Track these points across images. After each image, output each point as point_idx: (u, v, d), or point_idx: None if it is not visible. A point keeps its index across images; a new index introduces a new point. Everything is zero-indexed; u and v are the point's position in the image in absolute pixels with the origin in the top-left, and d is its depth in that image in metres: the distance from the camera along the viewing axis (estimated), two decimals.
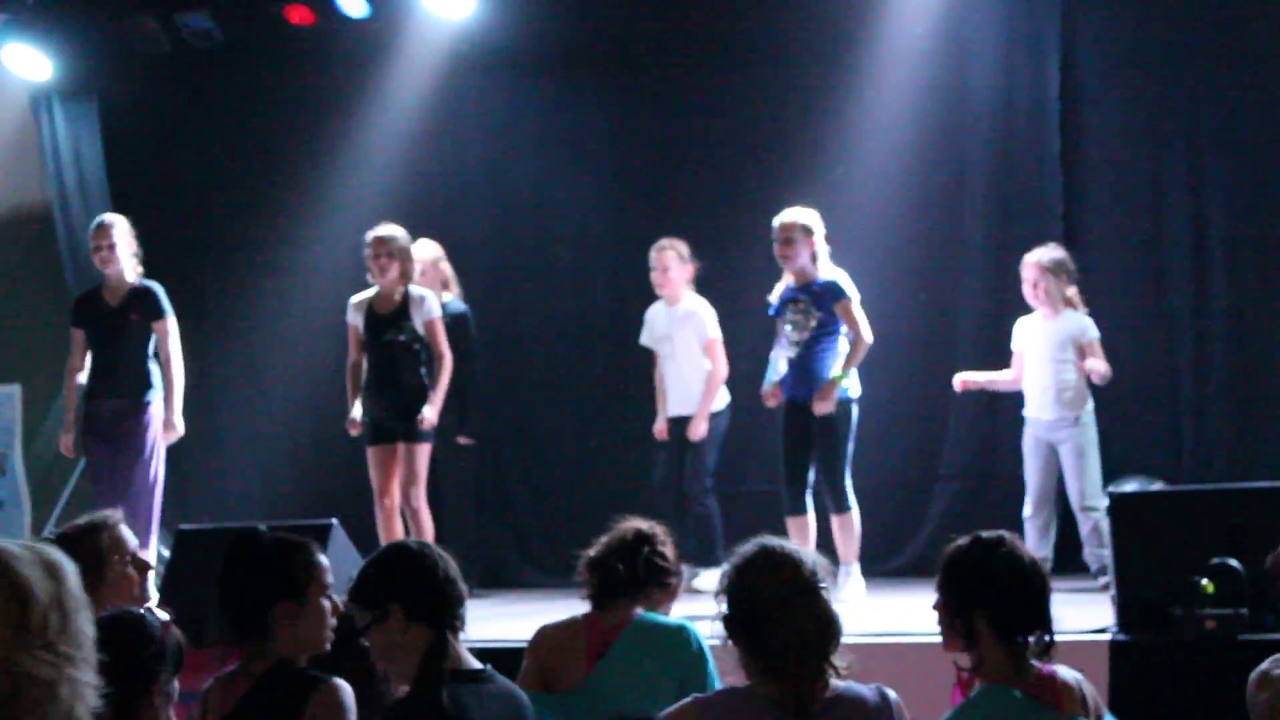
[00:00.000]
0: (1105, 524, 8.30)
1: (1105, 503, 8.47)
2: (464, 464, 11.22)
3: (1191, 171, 10.54)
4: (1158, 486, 9.48)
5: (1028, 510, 9.58)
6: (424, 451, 9.85)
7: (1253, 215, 10.43)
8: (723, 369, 10.36)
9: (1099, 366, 9.39)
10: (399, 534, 9.71)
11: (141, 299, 10.18)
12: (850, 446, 9.46)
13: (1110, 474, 9.52)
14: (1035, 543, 9.60)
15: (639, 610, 5.48)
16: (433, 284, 10.74)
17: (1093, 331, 9.52)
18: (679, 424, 10.48)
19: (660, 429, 10.54)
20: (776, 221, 9.49)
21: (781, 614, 3.88)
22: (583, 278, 11.95)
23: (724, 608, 4.03)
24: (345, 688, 4.47)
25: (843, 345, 9.46)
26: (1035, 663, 4.42)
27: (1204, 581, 6.96)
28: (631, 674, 5.28)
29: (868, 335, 9.42)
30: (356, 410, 9.93)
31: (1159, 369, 10.55)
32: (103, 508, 9.62)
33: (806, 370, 9.46)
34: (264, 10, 11.85)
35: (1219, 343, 10.47)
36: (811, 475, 9.47)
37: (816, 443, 9.46)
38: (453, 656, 4.41)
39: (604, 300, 11.52)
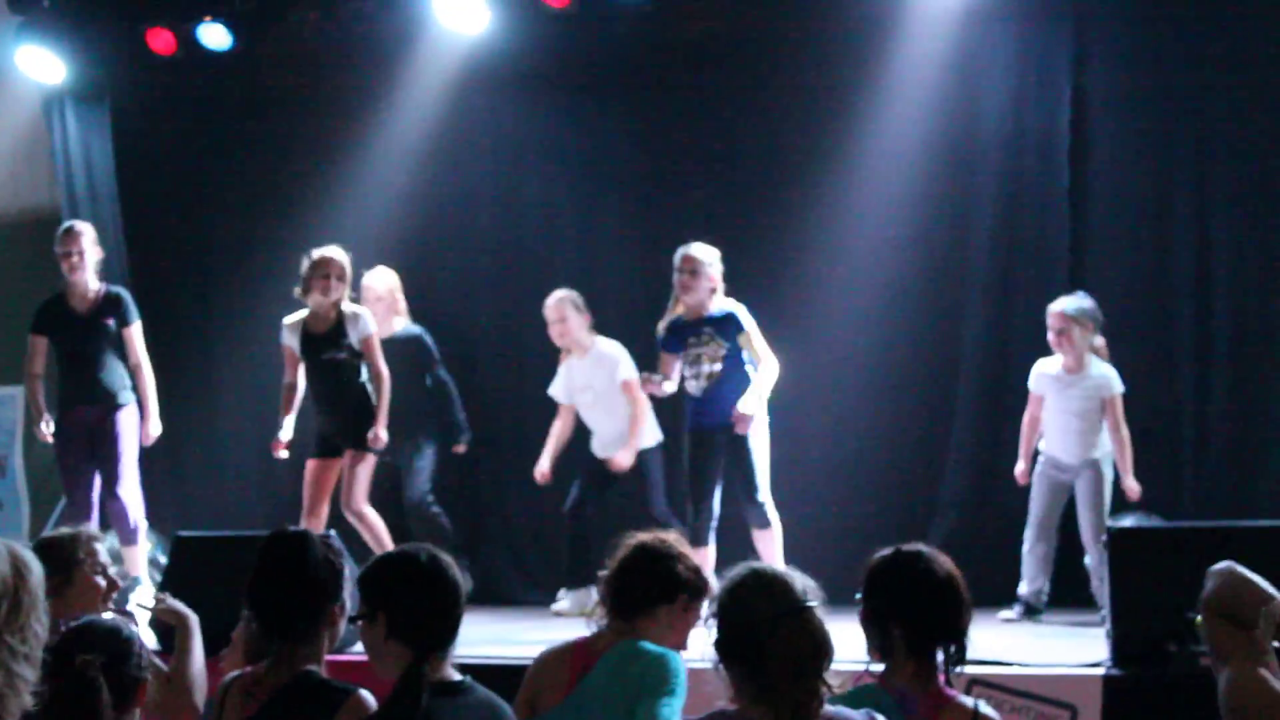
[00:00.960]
0: None
1: None
2: (420, 476, 11.24)
3: (1198, 210, 10.54)
4: (1157, 522, 9.48)
5: (1028, 542, 9.57)
6: (369, 462, 9.94)
7: (1258, 256, 10.44)
8: (644, 404, 10.49)
9: (1132, 486, 9.41)
10: None
11: (115, 305, 10.23)
12: (763, 462, 9.50)
13: (1111, 510, 9.52)
14: (1033, 573, 9.58)
15: (634, 636, 5.25)
16: (389, 311, 10.89)
17: (1117, 386, 9.45)
18: (605, 464, 10.66)
19: (543, 472, 10.78)
20: (681, 253, 9.63)
21: (776, 633, 3.89)
22: (589, 294, 11.95)
23: (714, 631, 4.03)
24: (370, 700, 4.48)
25: (750, 373, 9.51)
26: (942, 683, 4.44)
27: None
28: (602, 700, 5.08)
29: (774, 361, 9.50)
30: (286, 431, 10.03)
31: (1161, 406, 10.53)
32: (76, 511, 9.81)
33: (719, 399, 9.50)
34: (278, 19, 11.88)
35: (1221, 381, 10.46)
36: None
37: (733, 463, 9.52)
38: (430, 673, 4.36)
39: (611, 315, 11.51)
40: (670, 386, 9.75)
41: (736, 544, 9.66)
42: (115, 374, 10.25)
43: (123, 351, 10.30)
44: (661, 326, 9.81)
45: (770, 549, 9.41)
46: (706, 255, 9.63)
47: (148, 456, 10.72)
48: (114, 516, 10.10)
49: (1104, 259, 10.74)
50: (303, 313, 10.06)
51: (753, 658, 3.91)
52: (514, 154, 12.23)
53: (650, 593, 5.30)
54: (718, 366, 9.52)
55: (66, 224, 10.63)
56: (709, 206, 11.50)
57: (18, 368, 13.11)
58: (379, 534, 9.86)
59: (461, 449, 11.23)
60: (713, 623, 4.06)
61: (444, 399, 11.18)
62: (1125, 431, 9.43)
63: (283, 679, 4.59)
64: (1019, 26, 10.90)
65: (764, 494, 9.48)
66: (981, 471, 10.62)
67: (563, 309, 10.68)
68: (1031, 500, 9.61)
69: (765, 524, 9.47)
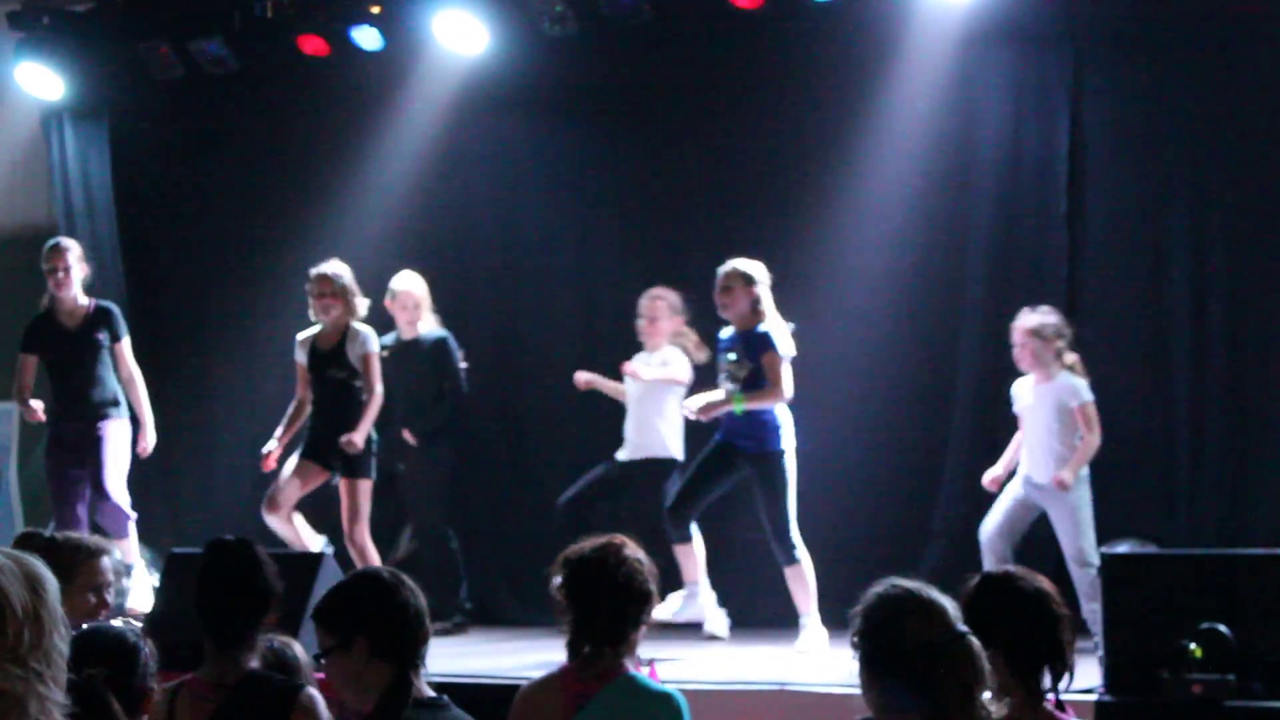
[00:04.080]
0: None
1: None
2: (436, 492, 11.22)
3: (1194, 235, 10.53)
4: (1151, 549, 9.47)
5: (984, 549, 9.43)
6: (364, 487, 9.94)
7: (1253, 281, 10.43)
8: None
9: (1065, 478, 9.27)
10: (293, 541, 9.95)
11: (105, 320, 10.26)
12: (792, 498, 9.51)
13: (1105, 536, 9.49)
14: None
15: (627, 664, 4.96)
16: (417, 314, 10.99)
17: (1085, 394, 9.39)
18: (634, 468, 10.68)
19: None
20: (719, 269, 9.63)
21: (944, 659, 3.83)
22: (587, 315, 11.99)
23: (862, 649, 3.95)
24: (319, 695, 4.53)
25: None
26: (1051, 705, 4.38)
27: (1192, 646, 6.97)
28: None
29: (784, 392, 9.51)
30: (273, 444, 10.09)
31: (1156, 432, 10.53)
32: (65, 523, 9.81)
33: (738, 419, 9.54)
34: (278, 39, 11.89)
35: (1216, 408, 10.45)
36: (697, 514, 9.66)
37: (758, 498, 9.58)
38: (415, 683, 4.43)
39: (607, 338, 11.53)
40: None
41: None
42: (104, 389, 10.29)
43: (113, 366, 10.33)
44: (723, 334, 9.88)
45: (799, 587, 9.47)
46: (741, 268, 9.61)
47: (140, 472, 10.74)
48: (104, 514, 10.14)
49: (1101, 284, 10.74)
50: (315, 328, 10.11)
51: (916, 679, 3.84)
52: (512, 175, 12.24)
53: (629, 618, 5.00)
54: (740, 385, 9.54)
55: (53, 240, 10.66)
56: (705, 230, 11.50)
57: (9, 383, 13.15)
58: None
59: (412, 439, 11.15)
60: (856, 640, 3.97)
61: (457, 407, 11.17)
62: (1093, 438, 9.33)
63: (230, 681, 4.68)
64: (1017, 51, 10.91)
65: (788, 530, 9.48)
66: (975, 498, 10.59)
67: (656, 308, 10.65)
68: (1001, 505, 9.45)
69: (790, 561, 9.46)
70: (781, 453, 9.53)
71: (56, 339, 10.33)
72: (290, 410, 10.25)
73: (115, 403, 10.33)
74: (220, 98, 12.48)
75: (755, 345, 9.53)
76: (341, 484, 9.97)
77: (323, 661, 4.51)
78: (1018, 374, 9.70)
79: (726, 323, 9.81)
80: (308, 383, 10.16)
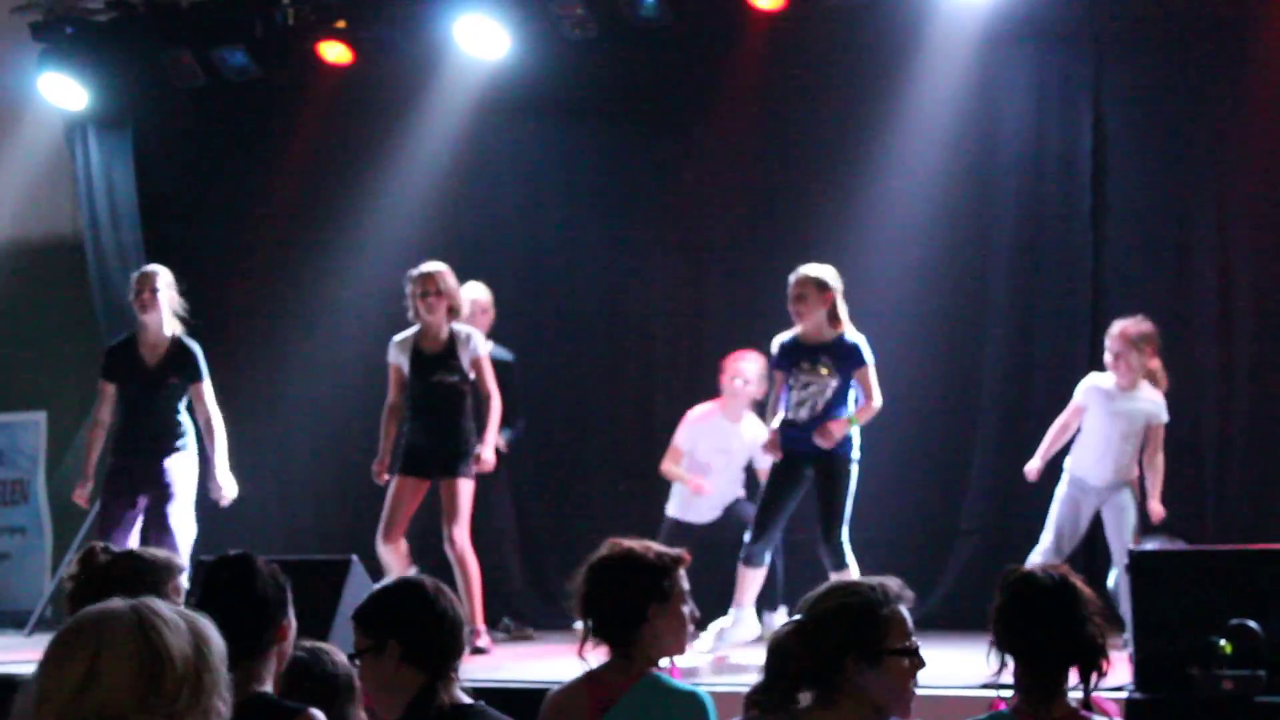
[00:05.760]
0: None
1: None
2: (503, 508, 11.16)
3: (1219, 231, 10.52)
4: (1180, 546, 9.43)
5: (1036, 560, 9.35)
6: (465, 487, 9.67)
7: (1278, 276, 10.41)
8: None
9: (1157, 509, 9.23)
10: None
11: (183, 361, 10.00)
12: (850, 505, 9.30)
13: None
14: None
15: (651, 667, 4.98)
16: (485, 319, 10.78)
17: (1164, 415, 9.27)
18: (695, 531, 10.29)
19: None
20: (791, 277, 9.37)
21: (777, 651, 4.03)
22: (612, 322, 11.96)
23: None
24: (320, 717, 4.51)
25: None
26: (1074, 703, 4.36)
27: (1222, 642, 6.95)
28: None
29: (880, 401, 9.27)
30: (383, 455, 9.78)
31: (1183, 428, 10.47)
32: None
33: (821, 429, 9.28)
34: (300, 47, 11.92)
35: (1243, 403, 10.43)
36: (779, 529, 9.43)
37: (819, 498, 9.28)
38: (443, 694, 4.41)
39: (633, 344, 11.53)
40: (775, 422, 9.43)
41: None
42: (172, 430, 9.97)
43: (187, 404, 10.03)
44: (777, 342, 9.41)
45: None
46: (814, 275, 9.20)
47: None
48: (162, 547, 9.91)
49: (1126, 281, 10.72)
50: (412, 331, 9.86)
51: (768, 667, 4.03)
52: (535, 179, 12.24)
53: (629, 613, 5.02)
54: (829, 396, 9.19)
55: (145, 267, 10.32)
56: (729, 231, 11.51)
57: (40, 392, 13.16)
58: (471, 580, 9.56)
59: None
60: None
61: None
62: (1161, 459, 9.30)
63: (236, 700, 4.64)
64: (1039, 49, 10.90)
65: (843, 534, 9.20)
66: (1003, 495, 10.60)
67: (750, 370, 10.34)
68: (1051, 522, 9.31)
69: (841, 565, 9.14)
70: (849, 460, 9.24)
71: (133, 373, 10.03)
72: (385, 417, 9.88)
73: (181, 442, 10.01)
74: (243, 106, 12.52)
75: (848, 357, 9.20)
76: (442, 486, 9.70)
77: (357, 663, 4.51)
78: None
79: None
80: (402, 387, 9.85)
